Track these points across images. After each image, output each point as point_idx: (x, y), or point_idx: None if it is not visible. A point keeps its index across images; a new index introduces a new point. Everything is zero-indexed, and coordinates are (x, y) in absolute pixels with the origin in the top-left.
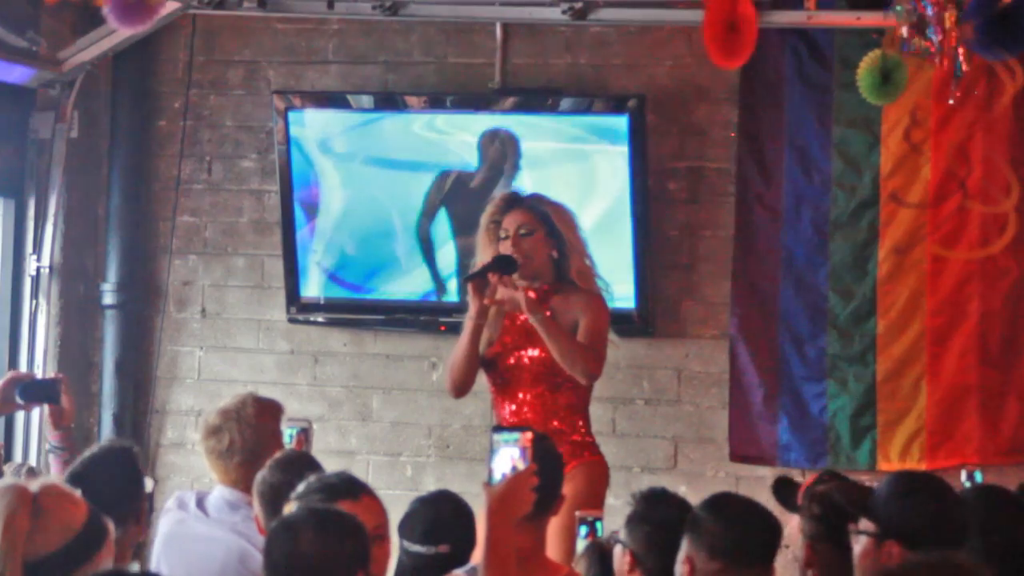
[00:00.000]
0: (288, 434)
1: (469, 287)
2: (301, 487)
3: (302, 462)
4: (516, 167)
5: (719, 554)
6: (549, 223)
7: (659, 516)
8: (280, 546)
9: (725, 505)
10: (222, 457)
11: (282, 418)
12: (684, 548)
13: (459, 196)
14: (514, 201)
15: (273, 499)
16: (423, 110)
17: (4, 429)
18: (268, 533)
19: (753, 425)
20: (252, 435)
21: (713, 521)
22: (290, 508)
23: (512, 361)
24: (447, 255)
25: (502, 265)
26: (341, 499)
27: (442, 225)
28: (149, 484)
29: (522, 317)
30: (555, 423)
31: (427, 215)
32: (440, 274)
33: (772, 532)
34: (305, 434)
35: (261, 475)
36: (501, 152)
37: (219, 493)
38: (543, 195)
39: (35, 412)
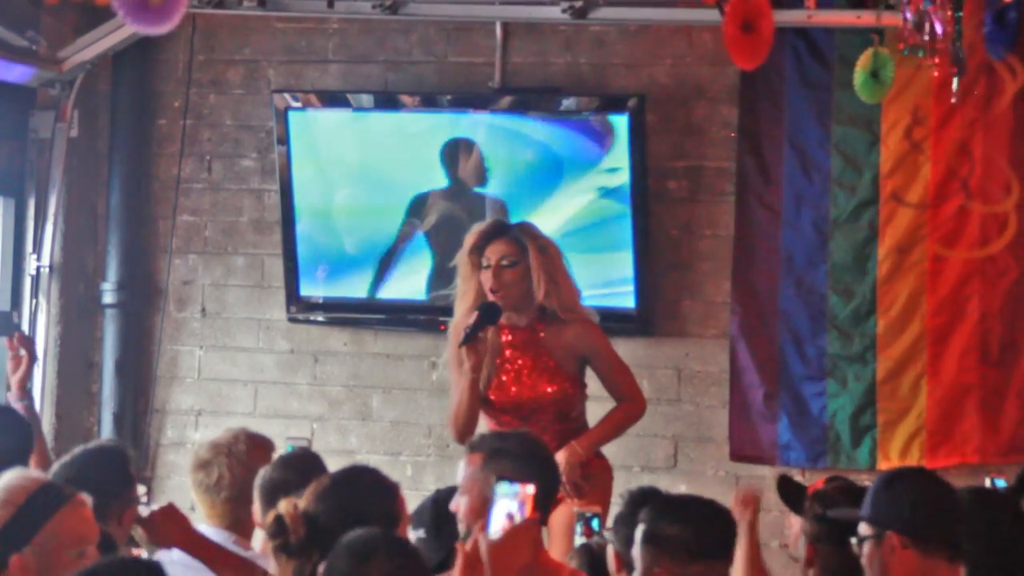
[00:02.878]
0: (288, 451)
1: (467, 349)
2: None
3: (306, 461)
4: (484, 171)
5: (693, 556)
6: (531, 255)
7: (633, 515)
8: (347, 565)
9: (676, 508)
10: (210, 492)
11: (274, 453)
12: (648, 556)
13: (434, 216)
14: (498, 231)
15: (272, 495)
16: (422, 109)
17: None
18: (333, 553)
19: (753, 424)
20: (242, 472)
21: (668, 526)
22: (288, 503)
23: (520, 398)
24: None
25: (488, 316)
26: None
27: (421, 248)
28: (142, 490)
29: (519, 361)
30: (558, 446)
31: (399, 242)
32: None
33: (727, 527)
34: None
35: (263, 470)
36: (465, 163)
37: (204, 533)
38: (530, 225)
39: (37, 384)
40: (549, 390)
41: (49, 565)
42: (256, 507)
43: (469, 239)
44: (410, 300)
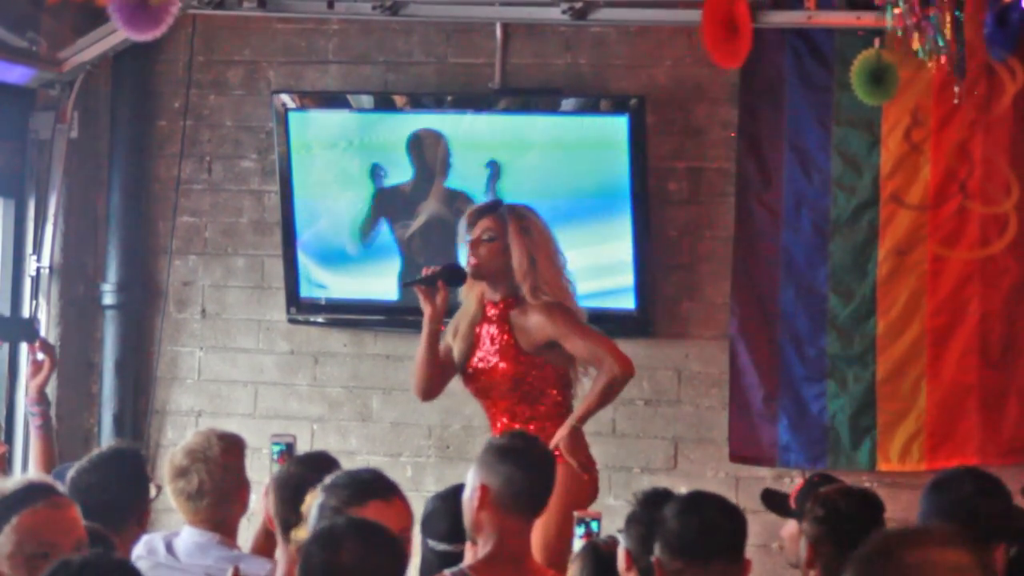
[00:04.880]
0: (274, 450)
1: (419, 293)
2: (329, 479)
3: (323, 459)
4: (447, 164)
5: (677, 552)
6: (510, 233)
7: (652, 516)
8: (319, 555)
9: (684, 504)
10: (192, 499)
11: (245, 451)
12: (655, 549)
13: (398, 207)
14: (489, 208)
15: (285, 490)
16: (422, 110)
17: (5, 410)
18: (306, 542)
19: (753, 425)
20: (220, 473)
21: (671, 520)
22: (314, 496)
23: (481, 372)
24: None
25: (450, 273)
26: (373, 498)
27: (384, 236)
28: (153, 490)
29: (488, 336)
30: (532, 429)
31: (365, 232)
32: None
33: (730, 527)
34: (290, 450)
35: (281, 467)
36: (430, 153)
37: (188, 536)
38: (522, 207)
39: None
40: (502, 367)
41: (10, 565)
42: (270, 501)
43: (465, 218)
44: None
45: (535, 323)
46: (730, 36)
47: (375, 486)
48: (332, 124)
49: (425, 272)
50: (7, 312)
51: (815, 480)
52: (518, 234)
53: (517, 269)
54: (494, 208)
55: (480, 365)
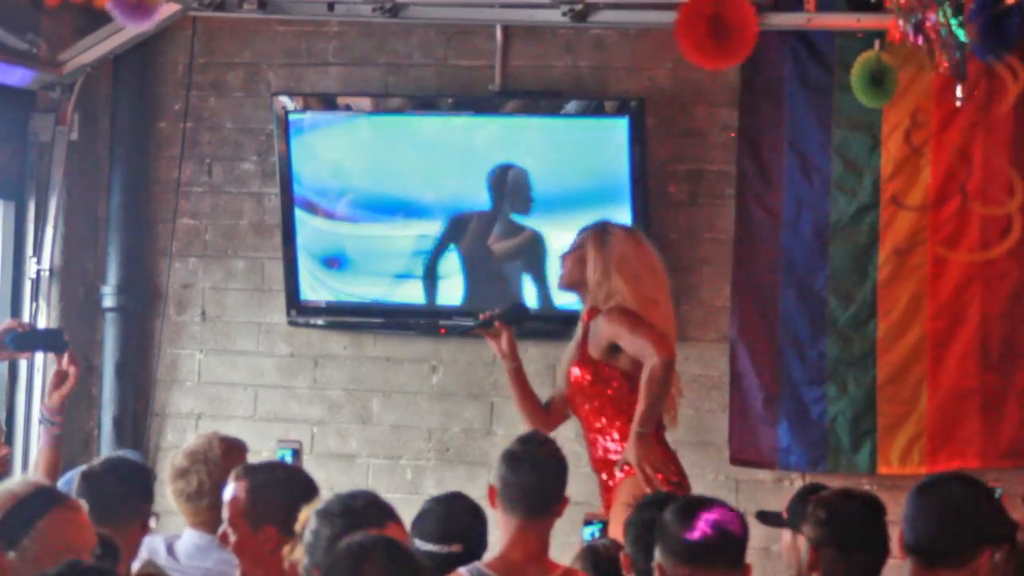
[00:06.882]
0: (279, 456)
1: (485, 335)
2: (322, 505)
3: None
4: (530, 200)
5: (681, 558)
6: (588, 245)
7: (644, 518)
8: (345, 566)
9: (686, 509)
10: (191, 500)
11: (247, 456)
12: (656, 554)
13: (469, 235)
14: (592, 225)
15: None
16: (423, 113)
17: (6, 410)
18: (333, 556)
19: (753, 428)
20: (220, 476)
21: (674, 525)
22: (305, 516)
23: (568, 384)
24: (453, 289)
25: (508, 313)
26: (366, 527)
27: (452, 263)
28: (153, 521)
29: (578, 338)
30: (600, 443)
31: (436, 257)
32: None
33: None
34: (296, 456)
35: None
36: (511, 189)
37: (188, 538)
38: (625, 228)
39: (37, 390)
40: (576, 373)
41: (35, 570)
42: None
43: None
44: (410, 304)
45: (599, 326)
46: (716, 34)
47: (368, 514)
48: (332, 126)
49: (482, 317)
50: (7, 314)
51: (807, 489)
52: (596, 247)
53: (590, 278)
54: (596, 224)
55: (565, 370)
